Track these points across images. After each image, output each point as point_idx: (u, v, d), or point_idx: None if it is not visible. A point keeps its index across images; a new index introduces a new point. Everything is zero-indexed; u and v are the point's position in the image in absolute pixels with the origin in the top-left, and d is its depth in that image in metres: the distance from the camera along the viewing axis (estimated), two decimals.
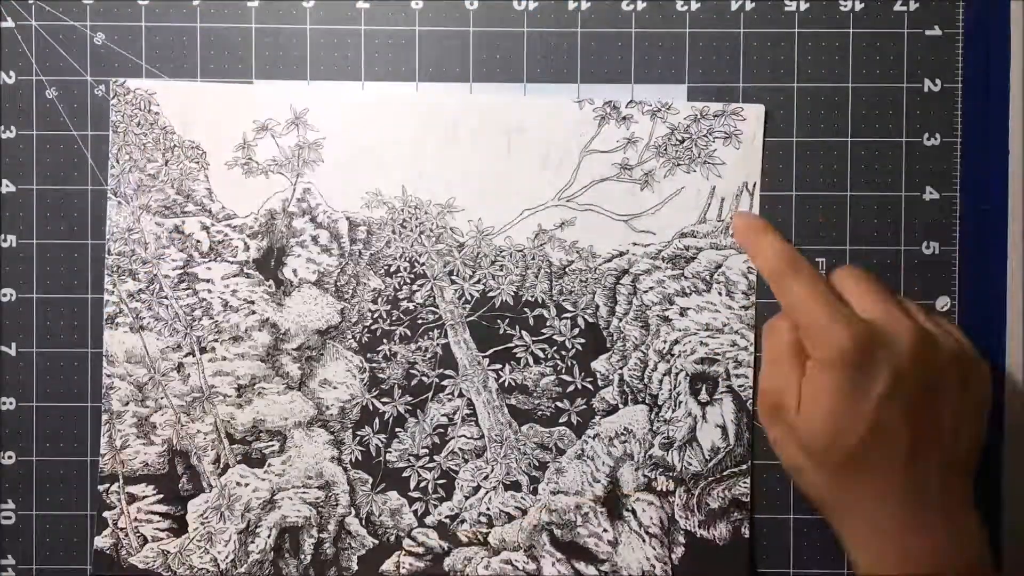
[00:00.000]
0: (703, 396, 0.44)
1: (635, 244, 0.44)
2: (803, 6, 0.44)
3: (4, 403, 0.45)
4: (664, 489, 0.44)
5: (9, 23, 0.44)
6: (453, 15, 0.45)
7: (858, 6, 0.44)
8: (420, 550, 0.44)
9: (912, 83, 0.44)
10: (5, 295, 0.45)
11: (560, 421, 0.44)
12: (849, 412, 0.37)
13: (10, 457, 0.45)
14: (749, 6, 0.44)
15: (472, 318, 0.44)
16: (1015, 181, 0.44)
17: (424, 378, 0.44)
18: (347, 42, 0.44)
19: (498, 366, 0.44)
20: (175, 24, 0.44)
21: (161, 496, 0.44)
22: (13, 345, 0.45)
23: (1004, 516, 0.45)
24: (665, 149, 0.44)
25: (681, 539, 0.44)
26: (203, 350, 0.44)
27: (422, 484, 0.44)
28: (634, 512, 0.44)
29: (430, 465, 0.44)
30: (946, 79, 0.44)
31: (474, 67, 0.44)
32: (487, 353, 0.44)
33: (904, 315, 0.38)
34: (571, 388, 0.44)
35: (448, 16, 0.45)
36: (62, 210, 0.44)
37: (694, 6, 0.44)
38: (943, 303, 0.45)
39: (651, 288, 0.44)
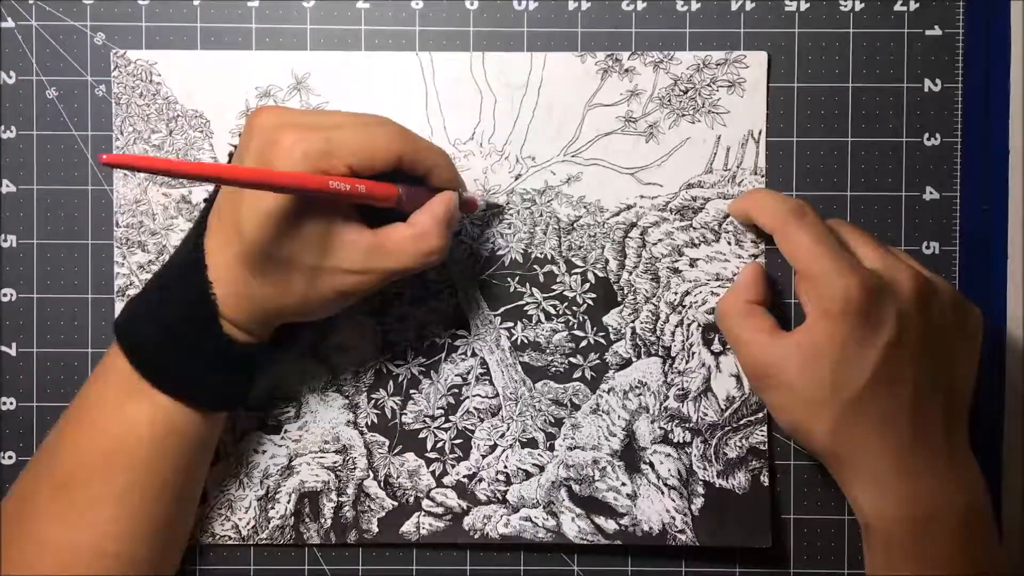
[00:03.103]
0: (716, 346, 0.44)
1: (642, 197, 0.44)
2: (803, 6, 0.44)
3: (4, 403, 0.45)
4: (681, 440, 0.44)
5: (9, 23, 0.44)
6: (453, 15, 0.44)
7: (858, 6, 0.44)
8: (439, 510, 0.44)
9: (912, 83, 0.44)
10: (5, 295, 0.45)
11: (574, 376, 0.44)
12: (855, 360, 0.37)
13: (10, 457, 0.45)
14: (749, 6, 0.44)
15: (482, 277, 0.44)
16: (1015, 181, 0.44)
17: (437, 339, 0.44)
18: (347, 42, 0.44)
19: (510, 324, 0.44)
20: (175, 24, 0.44)
21: None
22: (13, 345, 0.45)
23: (1004, 512, 0.45)
24: (669, 100, 0.44)
25: (700, 490, 0.44)
26: None
27: (439, 445, 0.44)
28: (652, 465, 0.44)
29: (446, 425, 0.44)
30: (946, 79, 0.44)
31: None
32: (498, 311, 0.44)
33: (903, 263, 0.39)
34: (584, 343, 0.44)
35: (448, 16, 0.44)
36: (62, 210, 0.44)
37: (694, 6, 0.44)
38: None
39: (660, 240, 0.44)
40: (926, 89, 0.44)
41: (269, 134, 0.36)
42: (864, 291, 0.37)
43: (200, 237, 0.38)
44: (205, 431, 0.40)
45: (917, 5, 0.44)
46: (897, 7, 0.44)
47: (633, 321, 0.44)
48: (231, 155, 0.41)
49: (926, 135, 0.45)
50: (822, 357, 0.37)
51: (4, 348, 0.45)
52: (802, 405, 0.38)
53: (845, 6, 0.44)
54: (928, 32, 0.44)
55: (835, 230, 0.40)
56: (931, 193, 0.45)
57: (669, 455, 0.44)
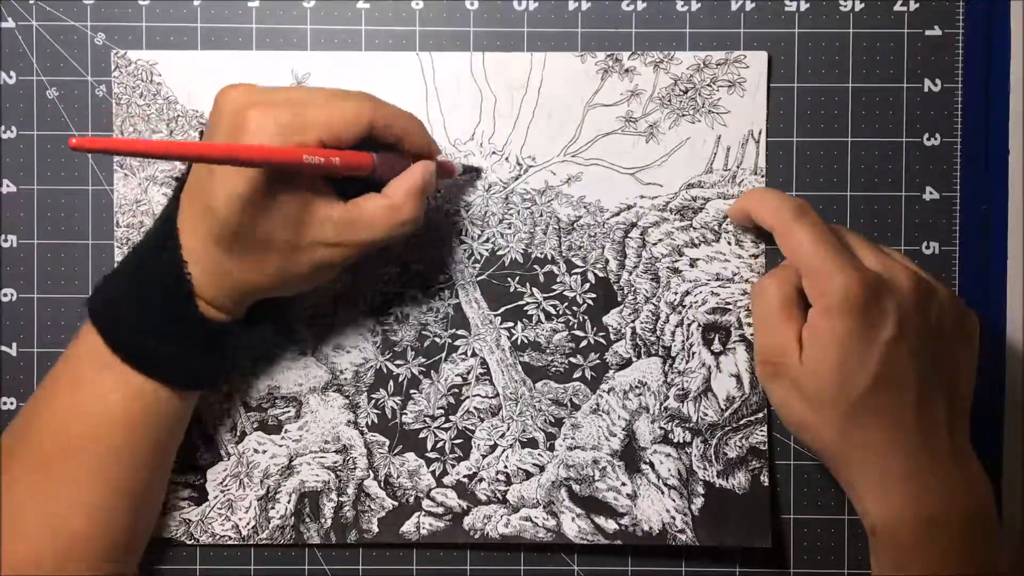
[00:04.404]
0: (716, 346, 0.44)
1: (642, 197, 0.44)
2: (803, 6, 0.44)
3: (4, 403, 0.45)
4: (681, 440, 0.44)
5: (10, 23, 0.44)
6: (453, 15, 0.45)
7: (858, 6, 0.44)
8: (439, 510, 0.44)
9: (912, 83, 0.44)
10: (5, 295, 0.45)
11: (574, 376, 0.44)
12: (857, 358, 0.37)
13: None
14: (749, 6, 0.44)
15: (482, 277, 0.44)
16: (1015, 181, 0.44)
17: (437, 339, 0.44)
18: (348, 42, 0.45)
19: (510, 324, 0.44)
20: (175, 24, 0.44)
21: (180, 466, 0.44)
22: (13, 345, 0.45)
23: (1004, 512, 0.45)
24: (669, 100, 0.44)
25: (700, 490, 0.44)
26: None
27: (439, 444, 0.44)
28: (652, 465, 0.44)
29: (446, 425, 0.44)
30: (946, 79, 0.44)
31: None
32: (498, 312, 0.44)
33: (901, 264, 0.39)
34: (584, 343, 0.44)
35: (448, 16, 0.45)
36: (62, 210, 0.44)
37: (694, 7, 0.44)
38: None
39: (660, 240, 0.44)
40: (926, 89, 0.44)
41: (238, 113, 0.35)
42: (864, 287, 0.37)
43: (173, 217, 0.38)
44: (180, 409, 0.40)
45: (917, 5, 0.44)
46: (897, 7, 0.44)
47: (633, 321, 0.44)
48: (201, 134, 0.41)
49: (926, 135, 0.45)
50: (826, 354, 0.37)
51: (4, 348, 0.45)
52: (807, 404, 0.38)
53: (845, 6, 0.44)
54: (928, 32, 0.44)
55: (836, 232, 0.40)
56: (931, 193, 0.45)
57: (669, 455, 0.44)
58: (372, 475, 0.44)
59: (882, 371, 0.37)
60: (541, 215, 0.44)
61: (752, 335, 0.43)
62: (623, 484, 0.44)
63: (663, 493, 0.44)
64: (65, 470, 0.38)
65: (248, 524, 0.44)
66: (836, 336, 0.37)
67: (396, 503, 0.44)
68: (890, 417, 0.37)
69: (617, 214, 0.44)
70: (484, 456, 0.44)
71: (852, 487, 0.39)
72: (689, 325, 0.44)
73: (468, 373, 0.44)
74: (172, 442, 0.41)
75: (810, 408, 0.38)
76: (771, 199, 0.40)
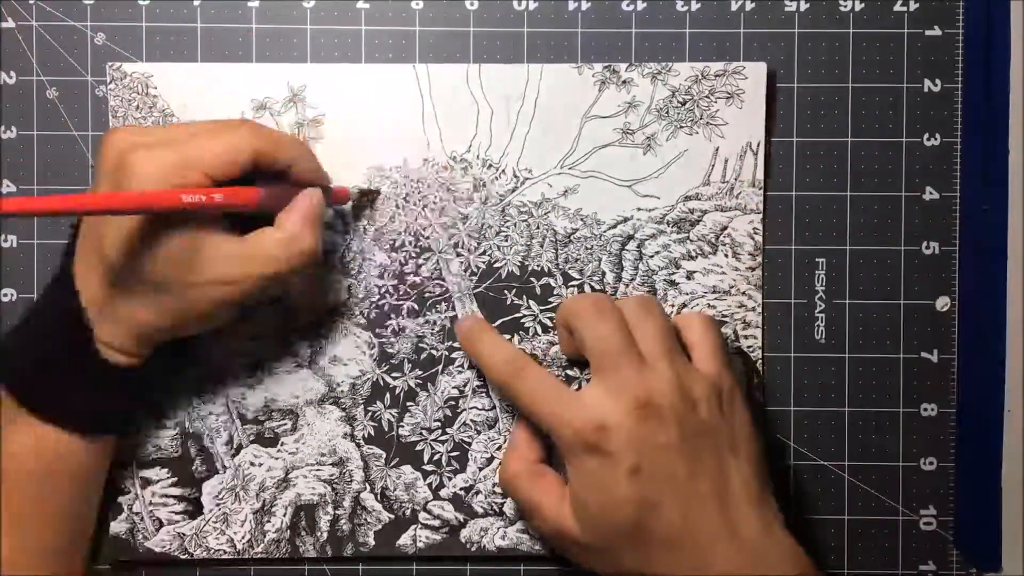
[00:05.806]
0: None
1: (639, 209, 0.44)
2: (803, 6, 0.44)
3: None
4: None
5: (9, 23, 0.44)
6: (453, 15, 0.44)
7: (858, 6, 0.44)
8: (436, 523, 0.44)
9: (912, 83, 0.44)
10: (5, 295, 0.45)
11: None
12: (607, 495, 0.36)
13: None
14: (749, 6, 0.44)
15: (479, 289, 0.44)
16: (1015, 181, 0.44)
17: (433, 351, 0.44)
18: (347, 43, 0.44)
19: (507, 336, 0.44)
20: (175, 24, 0.44)
21: (175, 479, 0.44)
22: None
23: (1004, 511, 0.45)
24: (667, 112, 0.44)
25: None
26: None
27: (436, 457, 0.44)
28: None
29: (443, 438, 0.44)
30: (946, 79, 0.44)
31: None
32: (495, 324, 0.44)
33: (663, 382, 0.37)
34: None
35: (448, 16, 0.44)
36: None
37: (695, 6, 0.44)
38: (943, 303, 0.45)
39: (657, 253, 0.44)
40: (926, 89, 0.44)
41: (120, 157, 0.35)
42: (583, 426, 0.37)
43: (68, 265, 0.38)
44: (93, 458, 0.40)
45: (917, 5, 0.44)
46: (897, 7, 0.44)
47: None
48: None
49: (926, 135, 0.44)
50: (584, 506, 0.37)
51: None
52: (600, 558, 0.37)
53: (845, 6, 0.44)
54: (928, 32, 0.44)
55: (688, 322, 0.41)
56: (931, 193, 0.45)
57: None
58: (368, 488, 0.44)
59: (640, 502, 0.36)
60: (538, 227, 0.44)
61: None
62: None
63: None
64: None
65: (243, 538, 0.44)
66: (581, 479, 0.37)
67: (392, 516, 0.44)
68: (670, 537, 0.36)
69: (614, 226, 0.44)
70: (481, 468, 0.44)
71: None
72: None
73: (465, 385, 0.44)
74: (89, 495, 0.41)
75: (604, 562, 0.37)
76: (491, 353, 0.41)
